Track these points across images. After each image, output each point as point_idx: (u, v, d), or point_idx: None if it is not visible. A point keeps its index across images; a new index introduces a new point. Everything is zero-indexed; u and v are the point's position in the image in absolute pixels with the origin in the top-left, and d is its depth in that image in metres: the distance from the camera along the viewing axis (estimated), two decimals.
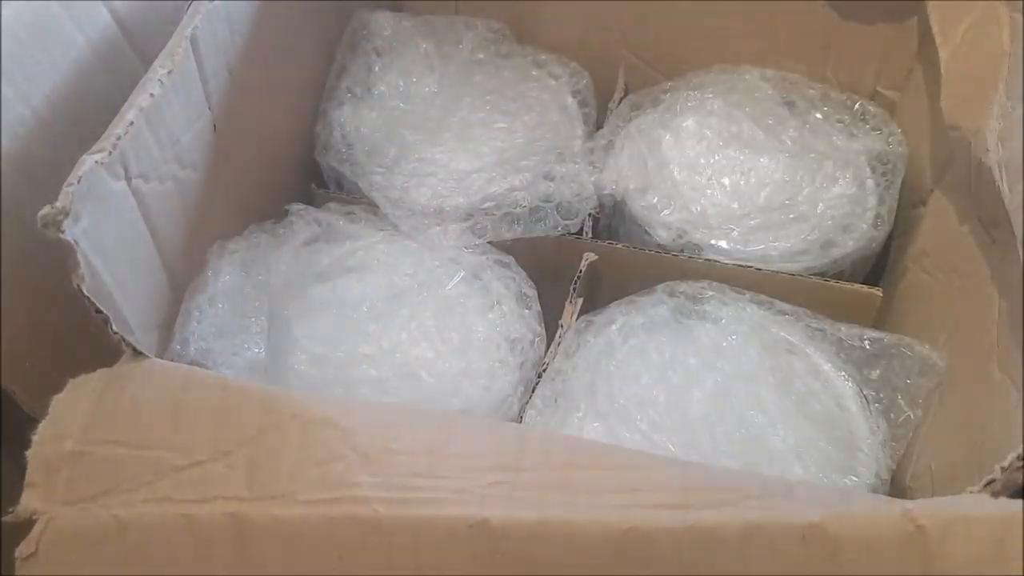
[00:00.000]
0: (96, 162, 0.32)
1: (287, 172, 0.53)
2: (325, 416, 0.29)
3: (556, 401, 0.42)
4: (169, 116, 0.37)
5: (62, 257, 0.40)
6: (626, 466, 0.27)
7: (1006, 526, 0.24)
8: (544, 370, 0.43)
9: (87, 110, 0.41)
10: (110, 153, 0.33)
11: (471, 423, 0.30)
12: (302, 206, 0.48)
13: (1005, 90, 0.39)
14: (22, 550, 0.27)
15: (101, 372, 0.30)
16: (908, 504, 0.25)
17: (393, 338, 0.44)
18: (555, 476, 0.27)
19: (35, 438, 0.29)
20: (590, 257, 0.48)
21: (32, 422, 0.29)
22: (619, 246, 0.49)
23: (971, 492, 0.26)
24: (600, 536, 0.26)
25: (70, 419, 0.29)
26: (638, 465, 0.27)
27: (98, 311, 0.30)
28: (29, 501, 0.28)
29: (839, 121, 0.52)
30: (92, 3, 0.42)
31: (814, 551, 0.25)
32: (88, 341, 0.38)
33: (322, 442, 0.28)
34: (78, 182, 0.30)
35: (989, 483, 0.26)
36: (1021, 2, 0.41)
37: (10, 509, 0.28)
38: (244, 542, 0.27)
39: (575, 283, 0.47)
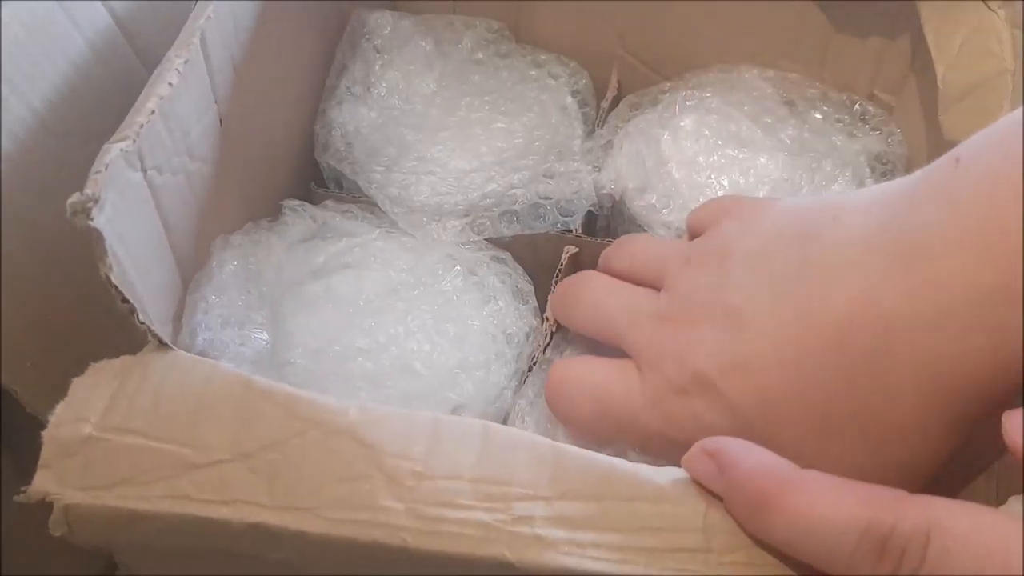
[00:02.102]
0: (121, 150, 0.31)
1: (292, 170, 0.53)
2: (349, 428, 0.28)
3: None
4: (180, 108, 0.37)
5: (62, 256, 0.39)
6: (650, 498, 0.27)
7: None
8: (535, 362, 0.44)
9: (87, 111, 0.41)
10: (134, 141, 0.32)
11: (496, 439, 0.29)
12: (298, 202, 0.48)
13: (1010, 110, 0.39)
14: (54, 529, 0.27)
15: (124, 358, 0.30)
16: None
17: (389, 332, 0.44)
18: (583, 509, 0.27)
19: (52, 419, 0.28)
20: (571, 250, 0.48)
21: (33, 422, 0.29)
22: None
23: None
24: None
25: (89, 403, 0.29)
26: (662, 497, 0.28)
27: (124, 300, 0.30)
28: (42, 483, 0.27)
29: (839, 121, 0.53)
30: (91, 3, 0.42)
31: None
32: (89, 341, 0.38)
33: (346, 457, 0.28)
34: (105, 169, 0.30)
35: None
36: (1022, 14, 0.41)
37: (22, 489, 0.27)
38: (266, 553, 0.27)
39: (556, 276, 0.47)
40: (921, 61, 0.50)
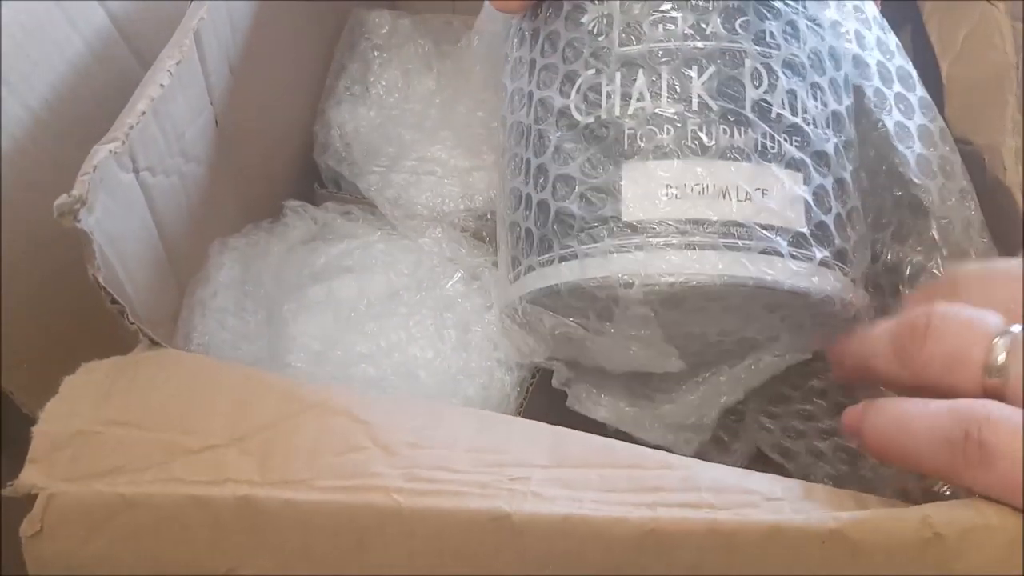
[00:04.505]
0: (110, 152, 0.31)
1: (290, 171, 0.52)
2: (345, 408, 0.28)
3: None
4: (174, 109, 0.37)
5: (60, 258, 0.39)
6: (647, 465, 0.27)
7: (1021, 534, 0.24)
8: (539, 369, 0.43)
9: (84, 111, 0.41)
10: (123, 143, 0.32)
11: (490, 420, 0.29)
12: (299, 203, 0.48)
13: (1017, 105, 0.39)
14: (26, 529, 0.27)
15: (115, 359, 0.30)
16: (927, 509, 0.25)
17: (391, 337, 0.44)
18: (577, 473, 0.27)
19: (42, 415, 0.28)
20: None
21: (32, 423, 0.29)
22: None
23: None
24: (622, 535, 0.25)
25: (80, 399, 0.28)
26: (660, 464, 0.27)
27: (114, 301, 0.30)
28: (29, 476, 0.27)
29: None
30: (89, 3, 0.41)
31: (835, 555, 0.25)
32: (88, 343, 0.38)
33: (341, 433, 0.28)
34: (93, 171, 0.30)
35: None
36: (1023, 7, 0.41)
37: (8, 483, 0.27)
38: (257, 524, 0.27)
39: None
40: (922, 59, 0.49)
